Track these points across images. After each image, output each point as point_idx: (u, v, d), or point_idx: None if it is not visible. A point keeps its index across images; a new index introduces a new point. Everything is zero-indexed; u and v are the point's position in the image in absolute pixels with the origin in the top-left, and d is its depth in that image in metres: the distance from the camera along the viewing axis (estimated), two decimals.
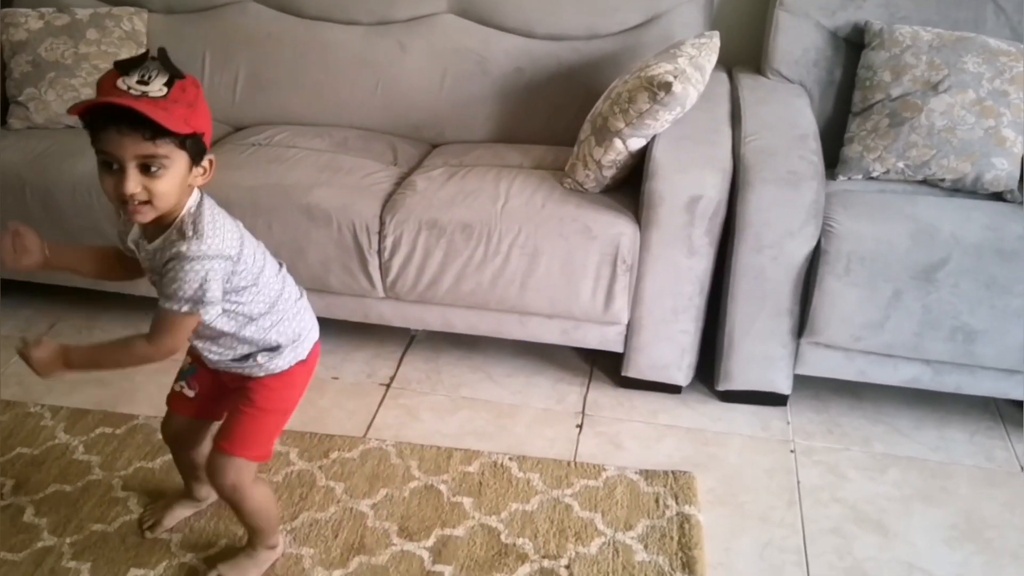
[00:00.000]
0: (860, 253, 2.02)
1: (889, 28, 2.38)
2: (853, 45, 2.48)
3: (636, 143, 2.17)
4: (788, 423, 2.25)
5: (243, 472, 1.60)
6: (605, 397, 2.34)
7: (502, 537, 1.84)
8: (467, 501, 1.94)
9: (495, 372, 2.42)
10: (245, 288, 1.47)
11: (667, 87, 2.05)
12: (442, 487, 1.98)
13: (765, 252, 2.08)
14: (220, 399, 1.66)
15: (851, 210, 2.10)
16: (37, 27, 2.63)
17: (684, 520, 1.89)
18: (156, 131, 1.27)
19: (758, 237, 2.07)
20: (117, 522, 1.85)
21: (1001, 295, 2.00)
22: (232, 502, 1.65)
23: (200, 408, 1.70)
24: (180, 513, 1.85)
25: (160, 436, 1.80)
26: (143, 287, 2.47)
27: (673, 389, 2.33)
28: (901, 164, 2.25)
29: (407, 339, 2.56)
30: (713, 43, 2.28)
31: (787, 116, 2.36)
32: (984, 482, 2.07)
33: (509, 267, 2.18)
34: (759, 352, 2.20)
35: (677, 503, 1.94)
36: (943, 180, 2.25)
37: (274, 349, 1.55)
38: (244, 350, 1.54)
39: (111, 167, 1.30)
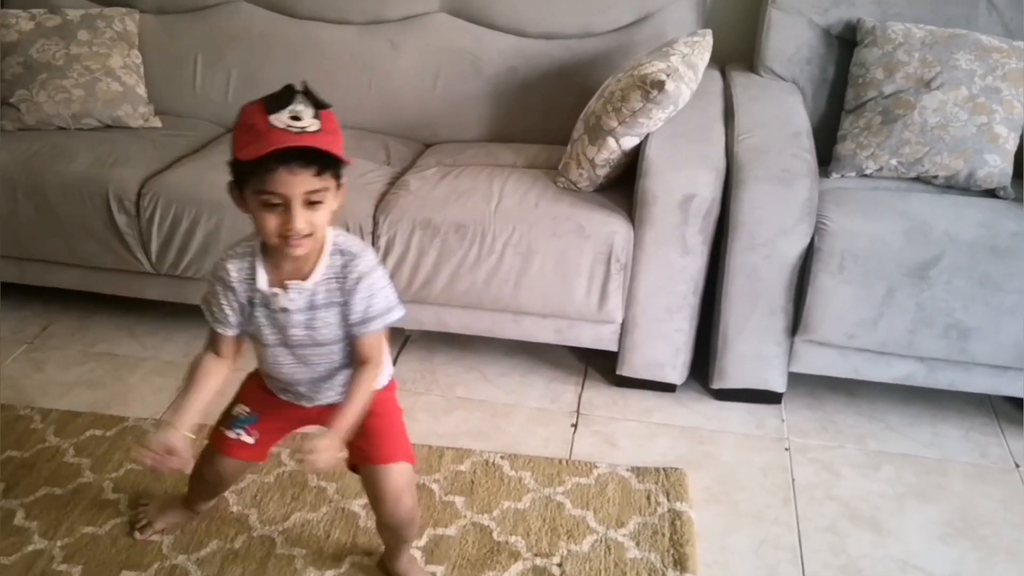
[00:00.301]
0: (853, 251, 2.02)
1: (882, 25, 2.38)
2: (846, 42, 2.48)
3: (629, 142, 2.17)
4: (783, 421, 2.25)
5: (409, 476, 1.59)
6: (600, 396, 2.33)
7: (494, 536, 1.84)
8: (459, 500, 1.93)
9: (490, 372, 2.41)
10: None
11: (660, 85, 2.05)
12: (434, 486, 1.97)
13: (759, 250, 2.08)
14: (275, 440, 1.70)
15: (844, 208, 2.10)
16: (28, 28, 2.62)
17: (676, 517, 1.89)
18: (322, 167, 1.30)
19: (752, 235, 2.07)
20: (108, 524, 1.85)
21: (994, 292, 2.00)
22: (412, 517, 1.62)
23: (258, 452, 1.68)
24: (173, 518, 1.83)
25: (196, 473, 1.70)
26: (135, 288, 2.48)
27: (668, 388, 2.33)
28: (894, 161, 2.25)
29: (402, 339, 2.55)
30: (706, 41, 2.28)
31: (780, 114, 2.36)
32: (978, 479, 2.07)
33: (503, 267, 2.18)
34: (753, 350, 2.20)
35: (668, 500, 1.94)
36: (936, 177, 2.24)
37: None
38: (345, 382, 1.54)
39: (273, 205, 1.31)
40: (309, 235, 1.34)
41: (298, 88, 1.31)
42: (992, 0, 2.41)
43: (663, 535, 1.84)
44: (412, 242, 2.19)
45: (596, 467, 2.04)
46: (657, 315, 2.20)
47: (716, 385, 2.29)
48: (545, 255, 2.15)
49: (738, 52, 2.72)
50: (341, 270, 1.41)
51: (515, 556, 1.79)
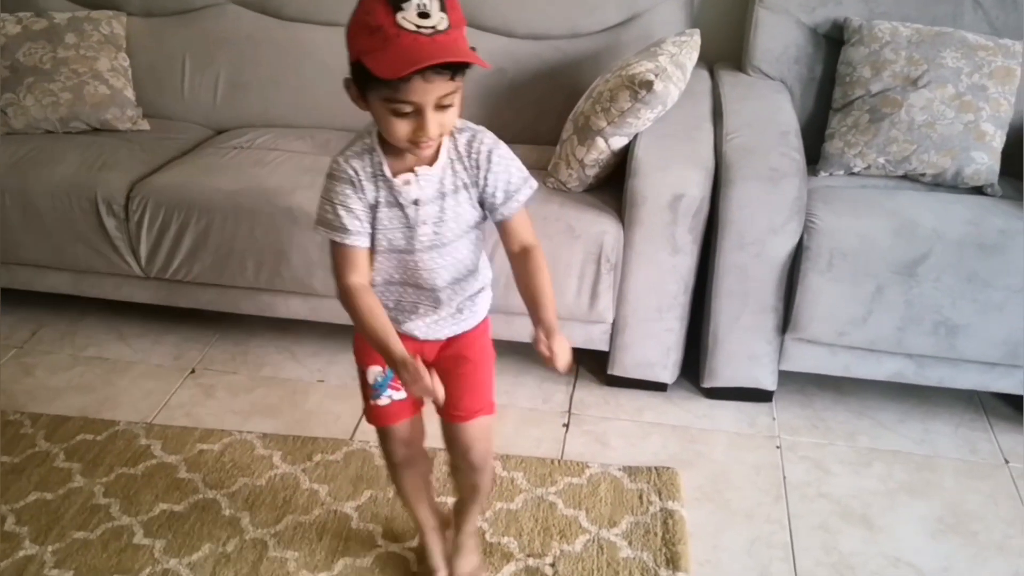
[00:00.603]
0: (842, 249, 2.03)
1: (868, 24, 2.39)
2: (833, 41, 2.49)
3: (618, 142, 2.17)
4: (773, 419, 2.26)
5: (490, 430, 1.54)
6: (591, 396, 2.33)
7: (487, 536, 1.84)
8: (451, 502, 1.93)
9: None
10: None
11: (648, 86, 2.05)
12: None
13: (748, 249, 2.08)
14: None
15: (833, 206, 2.10)
16: (15, 32, 2.61)
17: (668, 516, 1.89)
18: (456, 70, 1.19)
19: (741, 234, 2.07)
20: (99, 529, 1.84)
21: (982, 289, 2.01)
22: (488, 468, 1.58)
23: (413, 402, 1.54)
24: (441, 548, 1.72)
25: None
26: (125, 291, 2.47)
27: (659, 387, 2.33)
28: (882, 159, 2.26)
29: None
30: (694, 41, 2.28)
31: (768, 113, 2.36)
32: (968, 475, 2.08)
33: (493, 267, 2.17)
34: (744, 349, 2.21)
35: (660, 499, 1.94)
36: (924, 175, 2.26)
37: (483, 291, 1.47)
38: (476, 285, 1.44)
39: (402, 112, 1.21)
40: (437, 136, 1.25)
41: None
42: None
43: (655, 534, 1.85)
44: None
45: (588, 467, 2.04)
46: (648, 315, 2.20)
47: (707, 384, 2.29)
48: None
49: (726, 51, 2.73)
50: (466, 147, 1.31)
51: (508, 557, 1.79)
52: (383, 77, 1.15)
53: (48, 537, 1.82)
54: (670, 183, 2.07)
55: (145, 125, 2.68)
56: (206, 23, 2.78)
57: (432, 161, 1.30)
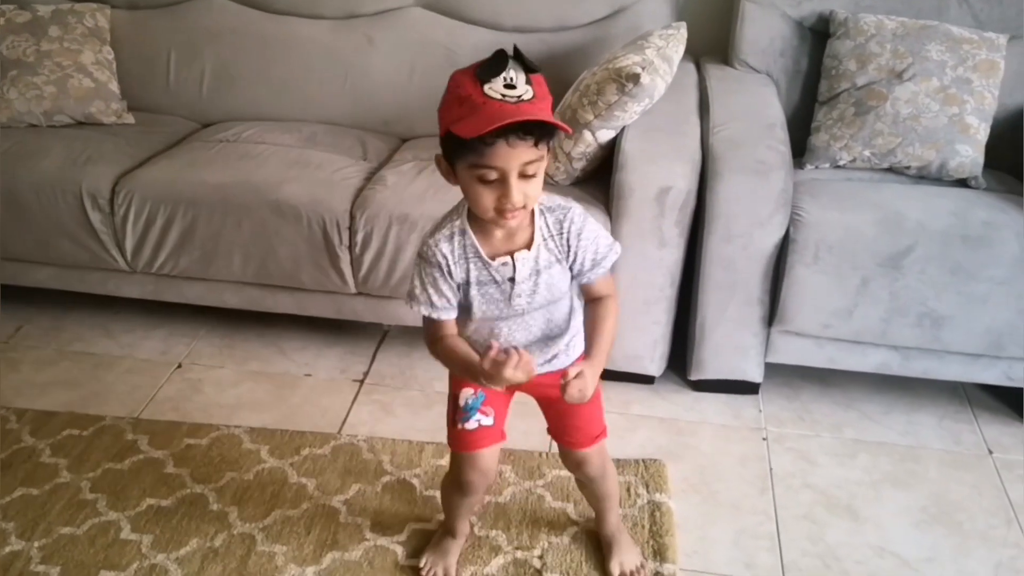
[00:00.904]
0: (828, 241, 2.04)
1: (854, 17, 2.40)
2: (819, 35, 2.50)
3: (605, 135, 2.17)
4: (760, 411, 2.27)
5: (605, 451, 1.65)
6: None
7: (475, 530, 1.84)
8: (439, 495, 1.93)
9: None
10: None
11: (635, 78, 2.06)
12: (415, 481, 1.98)
13: (735, 242, 2.09)
14: (506, 413, 1.62)
15: (819, 199, 2.11)
16: None
17: (655, 508, 1.90)
18: (539, 136, 1.23)
19: (727, 227, 2.08)
20: (86, 525, 1.84)
21: (967, 281, 2.02)
22: (600, 484, 1.69)
23: (500, 431, 1.60)
24: (454, 554, 1.77)
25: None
26: (111, 286, 2.46)
27: (646, 380, 2.34)
28: (867, 152, 2.27)
29: (380, 335, 2.55)
30: (680, 34, 2.28)
31: (755, 106, 2.37)
32: (953, 465, 2.10)
33: None
34: (730, 341, 2.21)
35: (648, 491, 1.95)
36: (909, 168, 2.27)
37: (578, 333, 1.51)
38: (566, 338, 1.49)
39: (490, 180, 1.26)
40: (524, 207, 1.29)
41: (509, 53, 1.23)
42: None
43: (643, 526, 1.86)
44: (389, 237, 2.18)
45: None
46: (635, 307, 2.21)
47: (694, 376, 2.30)
48: None
49: (712, 45, 2.73)
50: (557, 227, 1.37)
51: (496, 550, 1.80)
52: (467, 136, 1.20)
53: (35, 533, 1.81)
54: (657, 176, 2.08)
55: (130, 119, 2.66)
56: (191, 16, 2.77)
57: (529, 244, 1.37)
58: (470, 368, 1.38)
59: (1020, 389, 2.21)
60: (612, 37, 2.57)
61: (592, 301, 1.47)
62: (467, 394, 1.55)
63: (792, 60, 2.54)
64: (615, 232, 2.12)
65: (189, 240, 2.29)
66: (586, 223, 1.39)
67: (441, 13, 2.69)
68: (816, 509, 1.95)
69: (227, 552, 1.78)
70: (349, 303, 2.35)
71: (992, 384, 2.21)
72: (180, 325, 2.57)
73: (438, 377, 2.35)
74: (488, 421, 1.56)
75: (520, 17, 2.65)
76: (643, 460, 2.05)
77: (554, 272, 1.40)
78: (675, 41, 2.24)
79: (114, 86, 2.67)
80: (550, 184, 2.25)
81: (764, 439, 2.17)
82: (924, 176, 2.27)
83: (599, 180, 2.24)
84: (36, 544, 1.78)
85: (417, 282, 1.42)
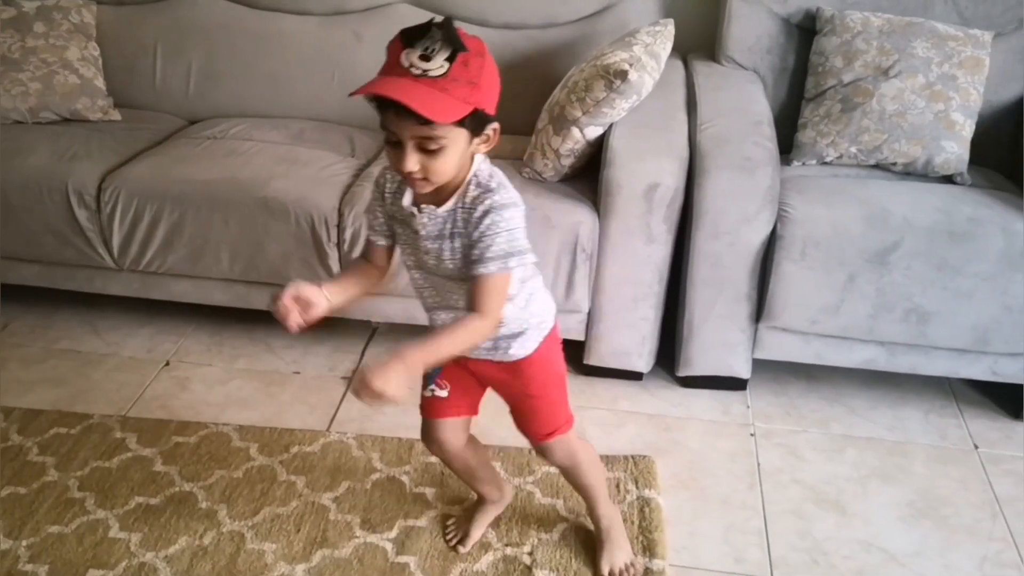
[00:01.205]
0: (815, 237, 2.05)
1: (840, 14, 2.41)
2: (805, 31, 2.51)
3: (593, 131, 2.17)
4: (748, 407, 2.28)
5: (568, 445, 1.64)
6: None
7: None
8: (429, 492, 1.93)
9: None
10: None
11: (623, 75, 2.06)
12: (404, 478, 1.98)
13: (722, 238, 2.10)
14: (471, 391, 1.63)
15: (806, 195, 2.12)
16: None
17: (644, 504, 1.91)
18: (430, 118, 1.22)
19: (715, 223, 2.09)
20: (74, 523, 1.83)
21: (952, 277, 2.04)
22: (572, 474, 1.71)
23: (456, 406, 1.63)
24: (485, 520, 1.82)
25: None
26: (98, 284, 2.45)
27: (634, 376, 2.34)
28: (854, 149, 2.28)
29: (369, 332, 2.55)
30: (668, 31, 2.29)
31: (742, 103, 2.38)
32: (939, 460, 2.11)
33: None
34: (718, 338, 2.22)
35: (637, 487, 1.96)
36: (895, 164, 2.28)
37: (519, 335, 1.49)
38: (504, 330, 1.47)
39: (391, 140, 1.27)
40: (424, 178, 1.28)
41: (439, 22, 1.21)
42: None
43: (632, 522, 1.86)
44: None
45: None
46: (623, 304, 2.22)
47: (682, 373, 2.31)
48: None
49: (700, 41, 2.74)
50: (472, 202, 1.33)
51: (486, 546, 1.80)
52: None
53: (22, 531, 1.80)
54: (645, 173, 2.08)
55: (116, 115, 2.65)
56: (178, 12, 2.75)
57: (442, 203, 1.35)
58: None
59: (1005, 384, 2.22)
60: (600, 34, 2.57)
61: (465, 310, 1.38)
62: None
63: (779, 57, 2.54)
64: (604, 228, 2.13)
65: (176, 237, 2.28)
66: (500, 214, 1.31)
67: (429, 9, 2.68)
68: (804, 504, 1.96)
69: (216, 550, 1.77)
70: None
71: (978, 379, 2.23)
72: (168, 323, 2.56)
73: None
74: (442, 393, 1.61)
75: (508, 14, 2.65)
76: (632, 456, 2.05)
77: (458, 246, 1.36)
78: (663, 38, 2.25)
79: (100, 83, 2.66)
80: (538, 181, 2.25)
81: (752, 435, 2.18)
82: (910, 172, 2.28)
83: (587, 177, 2.24)
84: (24, 543, 1.78)
85: (370, 200, 1.47)
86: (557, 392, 1.61)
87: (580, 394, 2.30)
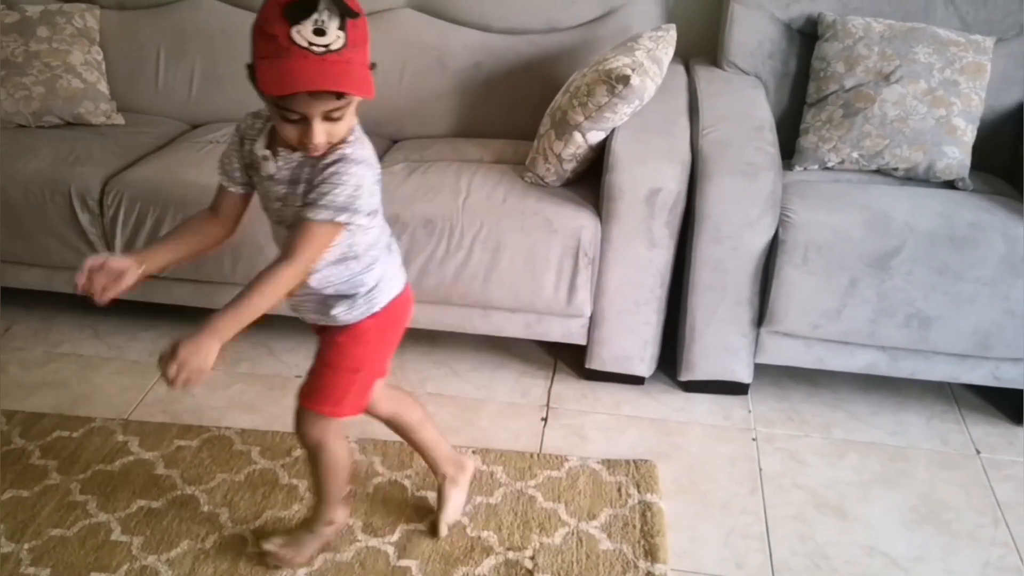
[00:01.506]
0: (817, 242, 2.05)
1: (842, 20, 2.41)
2: (807, 37, 2.51)
3: (595, 136, 2.18)
4: (749, 411, 2.28)
5: (321, 427, 1.59)
6: (569, 390, 2.34)
7: (467, 531, 1.84)
8: (431, 496, 1.93)
9: (459, 367, 2.42)
10: (368, 214, 1.37)
11: (625, 80, 2.06)
12: (406, 482, 1.98)
13: (724, 243, 2.10)
14: None
15: (807, 200, 2.13)
16: None
17: (646, 508, 1.91)
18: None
19: (717, 228, 2.09)
20: (76, 526, 1.83)
21: (954, 281, 2.04)
22: (312, 456, 1.65)
23: None
24: (460, 498, 1.86)
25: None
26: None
27: (636, 380, 2.35)
28: (855, 154, 2.29)
29: None
30: (670, 36, 2.29)
31: (744, 108, 2.38)
32: (941, 465, 2.11)
33: (472, 262, 2.18)
34: (720, 342, 2.22)
35: (639, 492, 1.96)
36: (896, 169, 2.28)
37: (349, 297, 1.48)
38: (331, 290, 1.47)
39: (291, 119, 1.25)
40: (327, 143, 1.29)
41: None
42: None
43: (634, 527, 1.86)
44: None
45: (567, 460, 2.05)
46: (625, 308, 2.22)
47: (684, 377, 2.31)
48: (513, 250, 2.16)
49: (701, 47, 2.75)
50: (331, 149, 1.32)
51: (488, 551, 1.80)
52: (268, 93, 1.20)
53: (24, 535, 1.80)
54: (647, 177, 2.09)
55: (119, 119, 2.66)
56: (180, 16, 2.76)
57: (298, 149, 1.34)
58: None
59: (1006, 389, 2.22)
60: (602, 39, 2.58)
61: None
62: None
63: (781, 62, 2.55)
64: (606, 233, 2.13)
65: None
66: (348, 167, 1.31)
67: (431, 15, 2.69)
68: (805, 509, 1.96)
69: (218, 554, 1.77)
70: None
71: (979, 384, 2.23)
72: (169, 326, 2.56)
73: (430, 378, 2.36)
74: None
75: (509, 18, 2.65)
76: (633, 461, 2.05)
77: (304, 192, 1.35)
78: (664, 43, 2.25)
79: (103, 87, 2.67)
80: (540, 185, 2.25)
81: (754, 439, 2.18)
82: (911, 178, 2.29)
83: (589, 181, 2.25)
84: (26, 546, 1.78)
85: (227, 144, 1.44)
86: (349, 377, 1.56)
87: (582, 399, 2.31)
